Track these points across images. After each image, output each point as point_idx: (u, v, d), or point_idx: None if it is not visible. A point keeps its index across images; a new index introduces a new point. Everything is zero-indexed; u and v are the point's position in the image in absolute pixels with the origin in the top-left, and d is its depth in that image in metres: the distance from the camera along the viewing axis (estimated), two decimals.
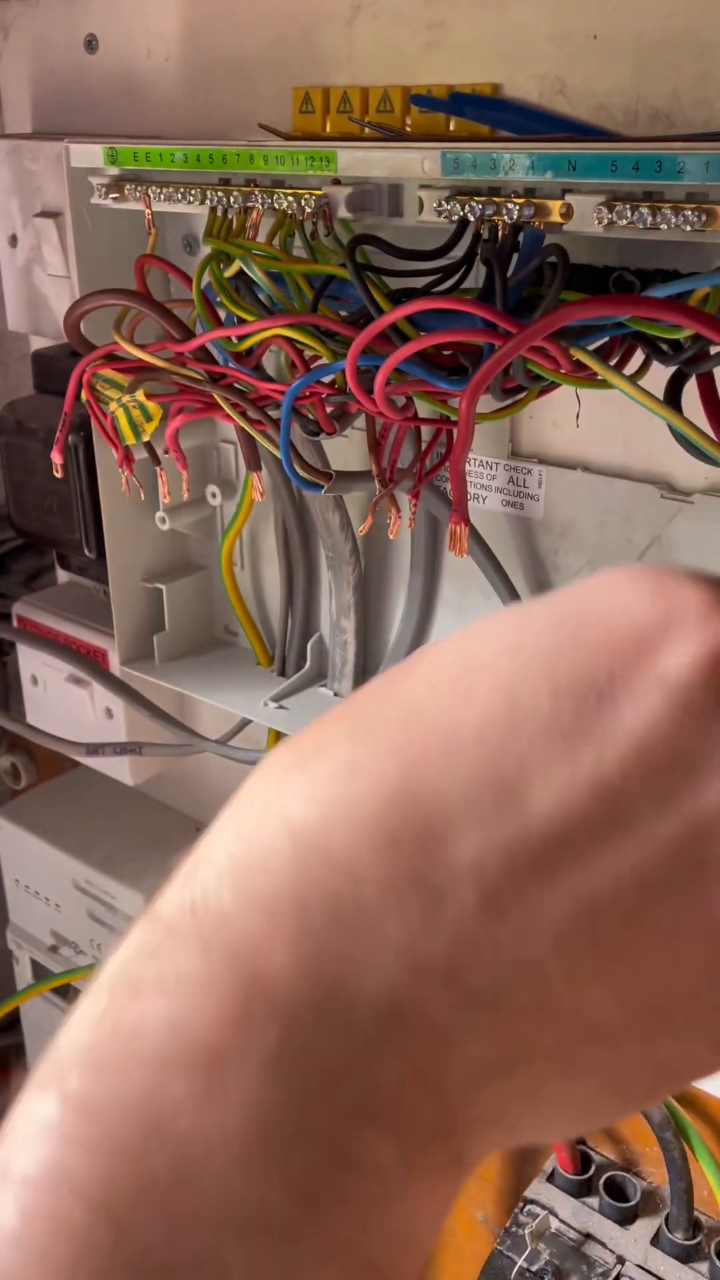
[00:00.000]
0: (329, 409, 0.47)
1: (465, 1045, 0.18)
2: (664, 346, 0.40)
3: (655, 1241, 0.56)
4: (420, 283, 0.43)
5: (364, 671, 0.63)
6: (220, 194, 0.47)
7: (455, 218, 0.40)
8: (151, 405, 0.52)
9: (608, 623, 0.20)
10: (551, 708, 0.19)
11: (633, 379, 0.39)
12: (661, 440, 0.42)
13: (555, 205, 0.38)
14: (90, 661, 0.72)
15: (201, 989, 0.17)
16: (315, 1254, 0.16)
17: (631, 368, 0.42)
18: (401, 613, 0.60)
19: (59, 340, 0.72)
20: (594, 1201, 0.58)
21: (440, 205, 0.41)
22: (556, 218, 0.38)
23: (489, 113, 0.49)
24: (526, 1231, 0.57)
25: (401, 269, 0.43)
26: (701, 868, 0.19)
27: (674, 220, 0.36)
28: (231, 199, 0.47)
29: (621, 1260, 0.56)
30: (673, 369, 0.40)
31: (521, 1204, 0.59)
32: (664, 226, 0.36)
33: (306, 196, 0.44)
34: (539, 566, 0.54)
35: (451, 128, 0.50)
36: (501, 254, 0.40)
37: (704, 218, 0.35)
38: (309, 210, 0.44)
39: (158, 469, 0.57)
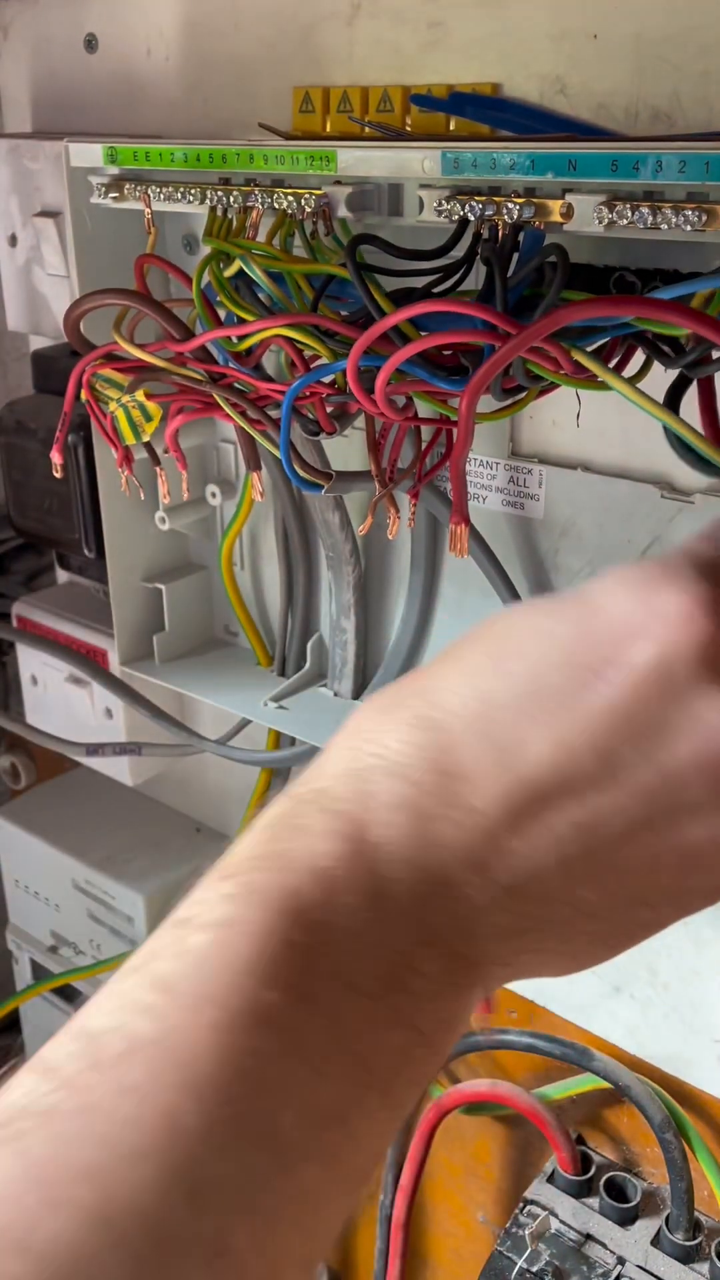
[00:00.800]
0: (329, 409, 0.47)
1: (489, 913, 0.26)
2: (665, 348, 0.39)
3: (656, 1242, 0.56)
4: (420, 282, 0.43)
5: (364, 671, 0.63)
6: (220, 193, 0.47)
7: (455, 217, 0.40)
8: (151, 405, 0.52)
9: (606, 619, 0.27)
10: (560, 683, 0.26)
11: (632, 381, 0.39)
12: (662, 440, 0.42)
13: (555, 205, 0.38)
14: (90, 661, 0.72)
15: (329, 838, 0.25)
16: (386, 1019, 0.24)
17: (631, 369, 0.42)
18: (401, 613, 0.60)
19: (59, 340, 0.72)
20: (594, 1202, 0.58)
21: (440, 205, 0.40)
22: (557, 217, 0.38)
23: (489, 112, 0.49)
24: (527, 1232, 0.57)
25: (402, 269, 0.43)
26: (675, 808, 0.26)
27: (674, 220, 0.36)
28: (231, 198, 0.47)
29: (622, 1261, 0.56)
30: (673, 372, 0.40)
31: (522, 1204, 0.59)
32: (664, 226, 0.36)
33: (306, 196, 0.44)
34: (539, 566, 0.54)
35: (452, 127, 0.50)
36: (502, 254, 0.40)
37: (704, 217, 0.35)
38: (309, 210, 0.44)
39: (157, 469, 0.57)
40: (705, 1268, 0.55)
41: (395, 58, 0.52)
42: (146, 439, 0.54)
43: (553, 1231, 0.57)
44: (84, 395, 0.53)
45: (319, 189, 0.44)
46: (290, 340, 0.45)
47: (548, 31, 0.47)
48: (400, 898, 0.25)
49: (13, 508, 0.73)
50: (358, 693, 0.63)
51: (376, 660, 0.62)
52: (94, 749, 0.73)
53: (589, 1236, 0.57)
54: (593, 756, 0.26)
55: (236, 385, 0.49)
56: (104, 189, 0.52)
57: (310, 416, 0.47)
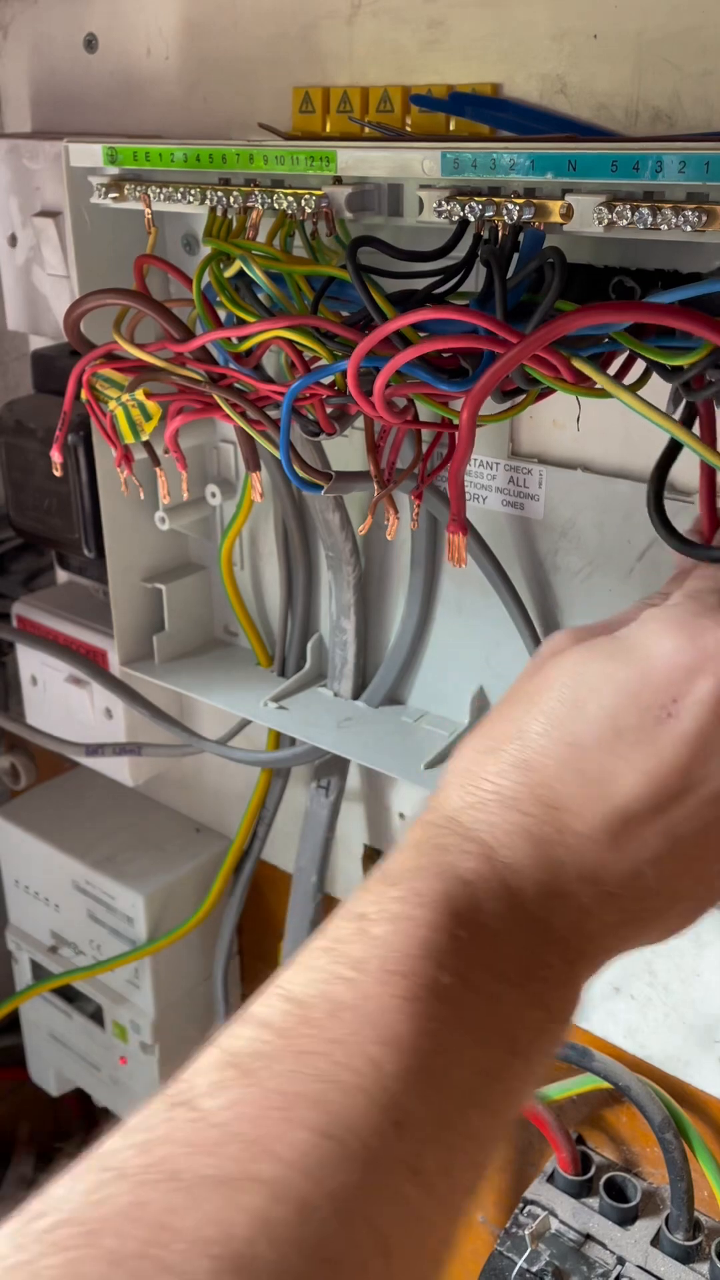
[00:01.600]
0: (329, 410, 0.47)
1: (599, 914, 0.32)
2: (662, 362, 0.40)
3: (655, 1242, 0.56)
4: (420, 283, 0.43)
5: (364, 671, 0.63)
6: (220, 194, 0.47)
7: (455, 218, 0.40)
8: (151, 404, 0.52)
9: (665, 663, 0.33)
10: (636, 722, 0.33)
11: (634, 388, 0.39)
12: (662, 441, 0.42)
13: (555, 205, 0.38)
14: (90, 662, 0.72)
15: (468, 857, 0.31)
16: (526, 1001, 0.30)
17: (632, 376, 0.42)
18: (401, 613, 0.60)
19: (58, 340, 0.72)
20: (594, 1202, 0.58)
21: (440, 205, 0.40)
22: (557, 218, 0.38)
23: (489, 112, 0.49)
24: (526, 1232, 0.57)
25: (402, 270, 0.43)
26: None
27: (674, 220, 0.36)
28: (231, 199, 0.47)
29: (622, 1261, 0.56)
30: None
31: (521, 1205, 0.59)
32: (664, 227, 0.36)
33: (306, 196, 0.44)
34: (539, 566, 0.54)
35: (452, 127, 0.50)
36: (501, 255, 0.40)
37: (704, 218, 0.35)
38: (309, 210, 0.44)
39: (157, 469, 0.57)
40: (705, 1268, 0.55)
41: (395, 57, 0.52)
42: (146, 438, 0.54)
43: (553, 1232, 0.57)
44: (84, 395, 0.53)
45: (319, 189, 0.44)
46: (290, 342, 0.45)
47: (548, 31, 0.47)
48: (529, 906, 0.31)
49: (12, 507, 0.73)
50: (357, 693, 0.63)
51: (376, 660, 0.62)
52: (94, 749, 0.73)
53: (589, 1237, 0.57)
54: (675, 779, 0.32)
55: (236, 386, 0.49)
56: (104, 189, 0.52)
57: (310, 417, 0.47)
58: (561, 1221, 0.58)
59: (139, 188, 0.51)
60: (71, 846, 0.84)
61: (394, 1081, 0.26)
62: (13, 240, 0.70)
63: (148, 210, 0.50)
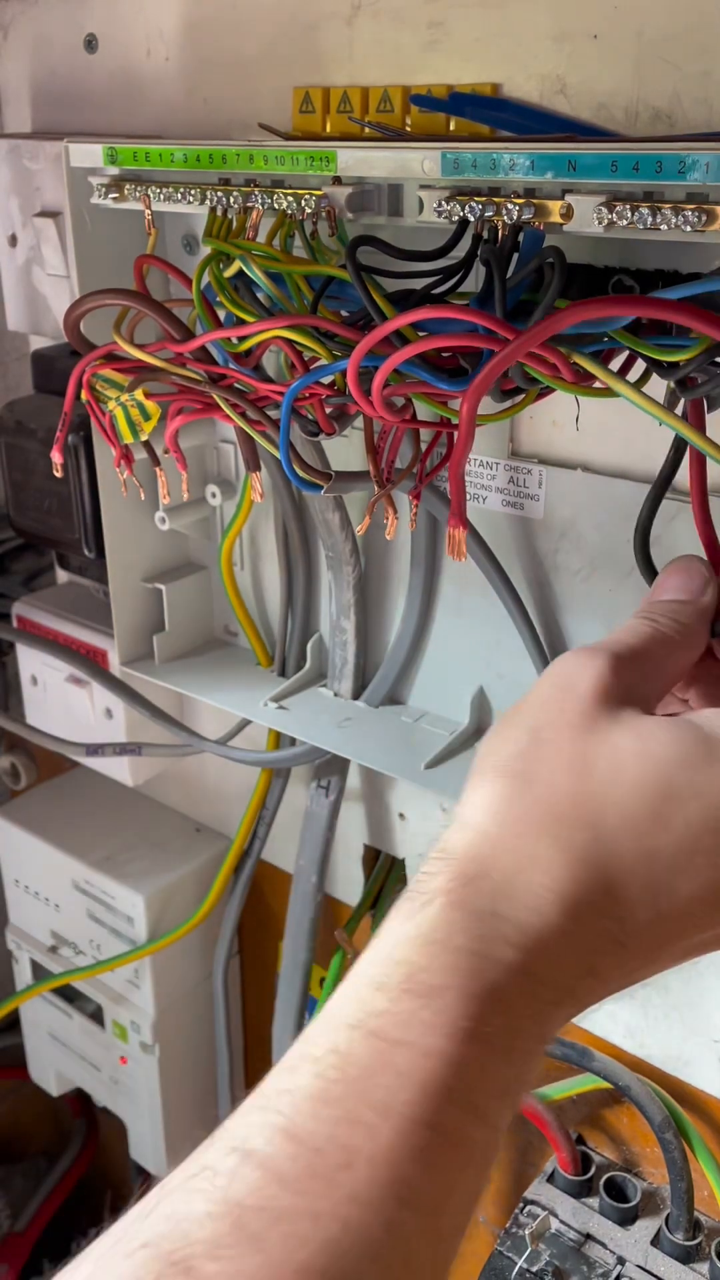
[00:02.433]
0: (328, 409, 0.47)
1: (622, 982, 0.32)
2: (663, 360, 0.40)
3: (655, 1242, 0.56)
4: (420, 283, 0.43)
5: (364, 671, 0.63)
6: (220, 194, 0.47)
7: (455, 218, 0.40)
8: (150, 404, 0.52)
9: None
10: (713, 844, 0.31)
11: (636, 385, 0.39)
12: (661, 440, 0.42)
13: (555, 205, 0.38)
14: (90, 662, 0.72)
15: (506, 973, 0.29)
16: (550, 1002, 0.30)
17: (632, 376, 0.42)
18: (401, 613, 0.60)
19: (58, 340, 0.72)
20: (594, 1202, 0.58)
21: (440, 205, 0.40)
22: (556, 218, 0.38)
23: (489, 112, 0.49)
24: (527, 1232, 0.57)
25: (401, 270, 0.43)
26: None
27: (674, 220, 0.36)
28: (231, 199, 0.47)
29: (622, 1261, 0.56)
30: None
31: (522, 1204, 0.59)
32: (664, 227, 0.36)
33: (306, 196, 0.44)
34: (539, 566, 0.54)
35: (452, 128, 0.50)
36: (501, 255, 0.40)
37: (704, 218, 0.35)
38: (309, 210, 0.44)
39: (157, 469, 0.57)
40: (705, 1267, 0.55)
41: (395, 58, 0.52)
42: (145, 438, 0.54)
43: (553, 1231, 0.57)
44: (84, 395, 0.53)
45: (319, 189, 0.44)
46: (289, 341, 0.45)
47: (548, 31, 0.47)
48: (556, 1020, 0.30)
49: (13, 508, 0.73)
50: (357, 693, 0.63)
51: (376, 660, 0.63)
52: (94, 749, 0.73)
53: (589, 1236, 0.57)
54: None
55: (236, 386, 0.49)
56: (104, 189, 0.52)
57: (309, 417, 0.47)
58: (562, 1221, 0.58)
59: (139, 188, 0.51)
60: (71, 846, 0.84)
61: (410, 1241, 0.25)
62: (13, 240, 0.70)
63: (147, 210, 0.50)
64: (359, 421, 0.49)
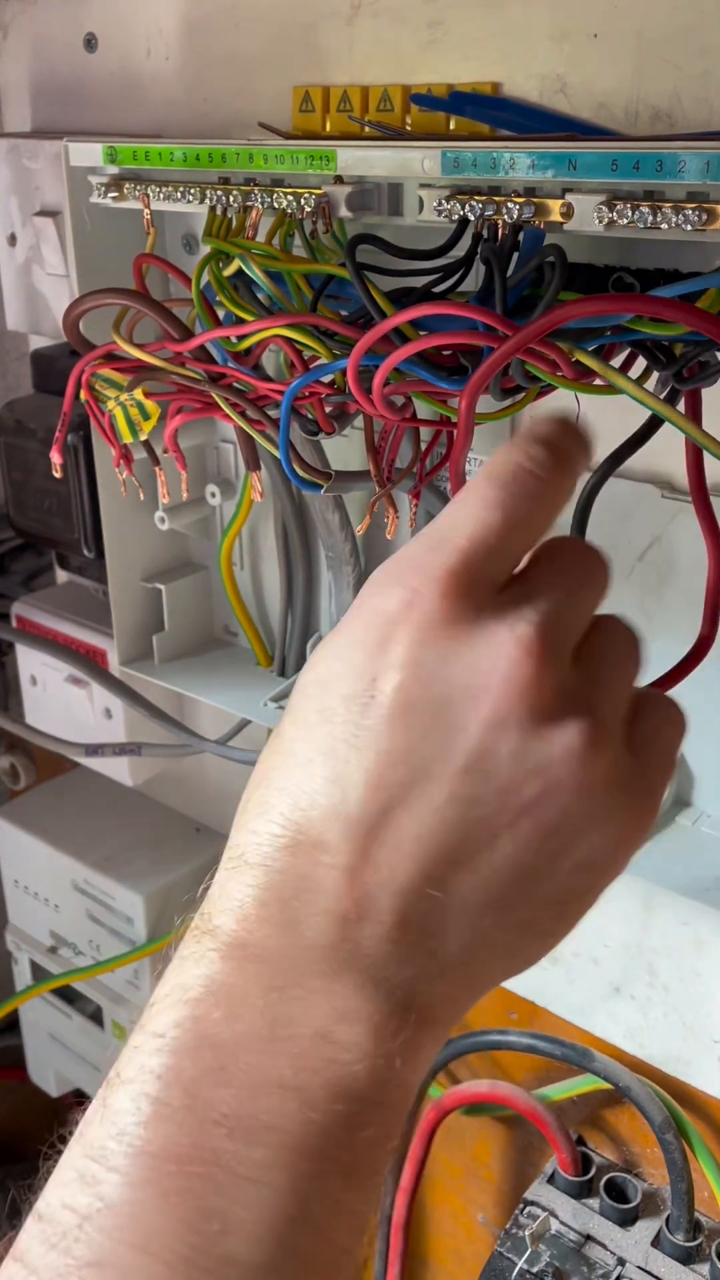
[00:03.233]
0: (328, 409, 0.47)
1: (391, 958, 0.28)
2: (661, 355, 0.39)
3: (656, 1243, 0.56)
4: (419, 282, 0.43)
5: None
6: (220, 193, 0.47)
7: (455, 217, 0.40)
8: (149, 404, 0.52)
9: (364, 636, 0.28)
10: (345, 718, 0.28)
11: (637, 383, 0.39)
12: (662, 440, 0.42)
13: (555, 204, 0.38)
14: (89, 662, 0.72)
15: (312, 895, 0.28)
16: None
17: (633, 372, 0.42)
18: None
19: (58, 339, 0.72)
20: (594, 1203, 0.58)
21: (440, 204, 0.40)
22: (557, 217, 0.38)
23: (489, 112, 0.49)
24: (527, 1233, 0.57)
25: (401, 268, 0.43)
26: (487, 776, 0.28)
27: (675, 219, 0.36)
28: (231, 198, 0.47)
29: (622, 1262, 0.55)
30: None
31: (522, 1205, 0.59)
32: (665, 226, 0.36)
33: (306, 195, 0.44)
34: None
35: (452, 127, 0.50)
36: (501, 254, 0.39)
37: (705, 217, 0.35)
38: (309, 209, 0.44)
39: (157, 469, 0.57)
40: (705, 1269, 0.55)
41: (395, 57, 0.52)
42: (144, 438, 0.54)
43: (553, 1232, 0.57)
44: (83, 395, 0.53)
45: (319, 188, 0.44)
46: (289, 340, 0.45)
47: (548, 31, 0.47)
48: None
49: (12, 507, 0.73)
50: None
51: None
52: (93, 749, 0.73)
53: (589, 1237, 0.57)
54: (397, 768, 0.27)
55: (236, 385, 0.49)
56: (103, 188, 0.52)
57: (309, 416, 0.47)
58: (562, 1222, 0.57)
59: (138, 187, 0.50)
60: (71, 847, 0.84)
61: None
62: (12, 240, 0.70)
63: (146, 210, 0.50)
64: (359, 421, 0.49)
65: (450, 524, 0.29)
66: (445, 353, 0.42)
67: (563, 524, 0.52)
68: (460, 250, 0.42)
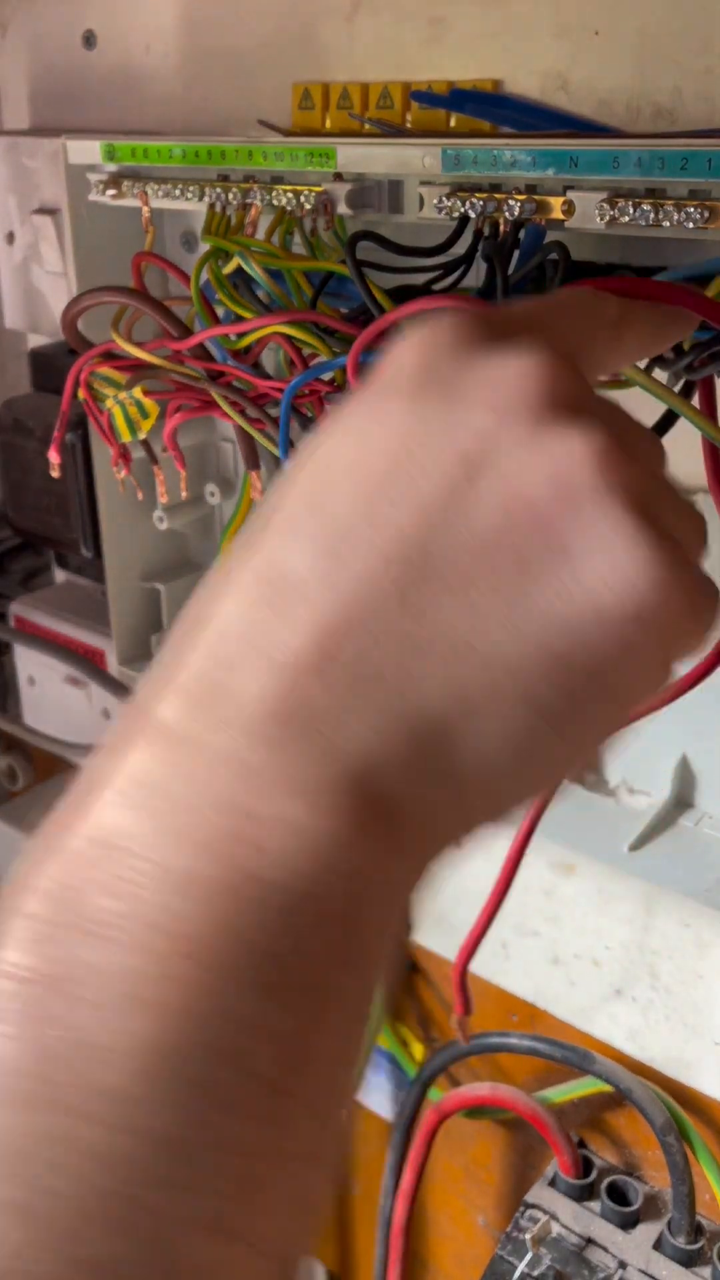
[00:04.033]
0: (328, 407, 0.47)
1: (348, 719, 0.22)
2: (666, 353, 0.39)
3: (657, 1246, 0.56)
4: (420, 279, 0.43)
5: None
6: (219, 190, 0.47)
7: (456, 214, 0.40)
8: (148, 402, 0.52)
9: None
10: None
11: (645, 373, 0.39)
12: (667, 437, 0.42)
13: (557, 202, 0.38)
14: (88, 662, 0.71)
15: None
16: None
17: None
18: None
19: (57, 338, 0.72)
20: (595, 1205, 0.58)
21: (441, 202, 0.40)
22: (558, 214, 0.38)
23: (490, 109, 0.49)
24: (527, 1236, 0.57)
25: (401, 266, 0.43)
26: (489, 467, 0.23)
27: (676, 217, 0.35)
28: (230, 195, 0.46)
29: (623, 1265, 0.55)
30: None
31: (522, 1208, 0.59)
32: (666, 224, 0.36)
33: (306, 193, 0.44)
34: None
35: (452, 124, 0.50)
36: (502, 251, 0.39)
37: (706, 214, 0.35)
38: (308, 207, 0.44)
39: (155, 468, 0.57)
40: (707, 1271, 0.55)
41: (396, 54, 0.52)
42: (143, 436, 0.53)
43: (554, 1235, 0.57)
44: (81, 394, 0.53)
45: (318, 186, 0.44)
46: (289, 338, 0.44)
47: (549, 28, 0.47)
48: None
49: (10, 507, 0.72)
50: None
51: None
52: (92, 750, 0.73)
53: (590, 1240, 0.57)
54: (390, 438, 0.23)
55: (235, 383, 0.49)
56: (102, 186, 0.52)
57: (309, 415, 0.46)
58: (563, 1225, 0.57)
59: (137, 185, 0.50)
60: None
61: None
62: (10, 238, 0.69)
63: (145, 208, 0.50)
64: None
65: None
66: None
67: None
68: (461, 248, 0.41)
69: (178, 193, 0.49)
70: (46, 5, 0.67)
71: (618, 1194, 0.59)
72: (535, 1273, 0.55)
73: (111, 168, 0.52)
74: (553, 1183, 0.59)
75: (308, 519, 0.23)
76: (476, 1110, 0.63)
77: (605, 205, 0.36)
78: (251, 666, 0.22)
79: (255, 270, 0.45)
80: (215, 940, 0.20)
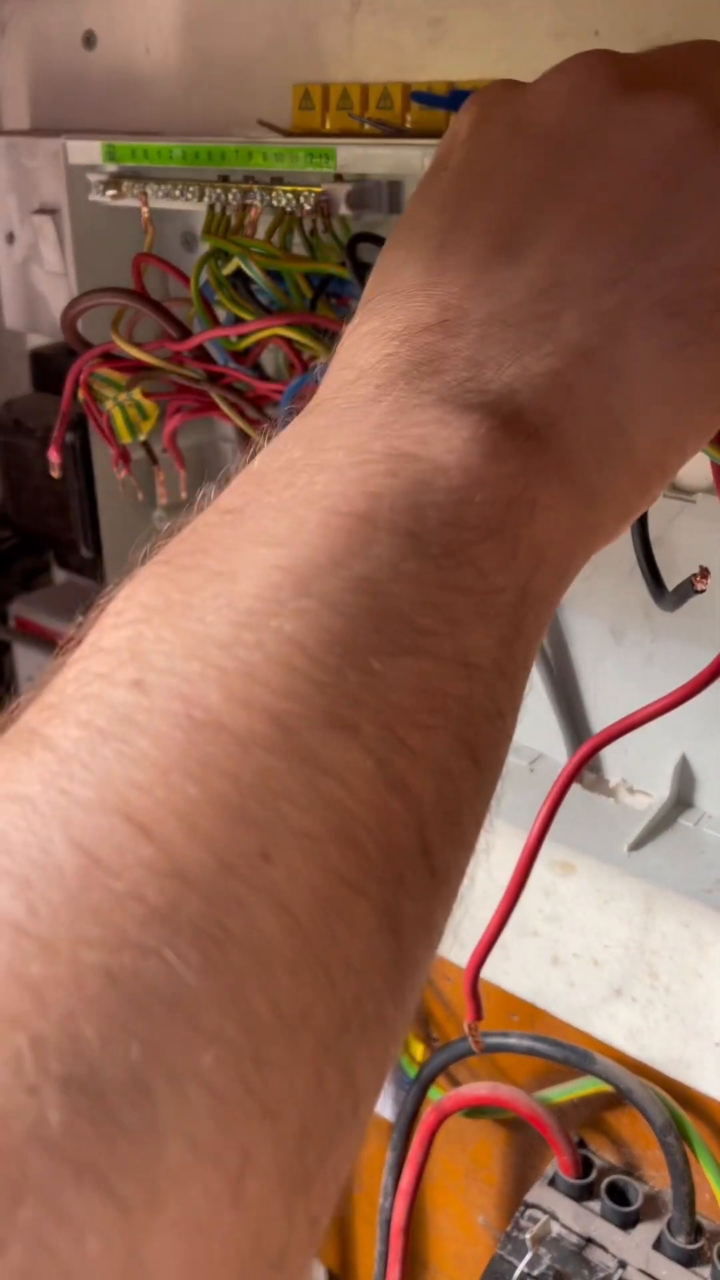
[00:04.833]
0: None
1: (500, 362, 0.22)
2: None
3: (657, 1246, 0.56)
4: None
5: None
6: (219, 191, 0.47)
7: None
8: (148, 404, 0.52)
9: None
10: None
11: None
12: None
13: None
14: None
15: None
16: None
17: None
18: None
19: (57, 338, 0.72)
20: (595, 1205, 0.58)
21: None
22: None
23: None
24: (527, 1235, 0.57)
25: None
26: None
27: None
28: (230, 196, 0.46)
29: (623, 1265, 0.55)
30: None
31: (522, 1208, 0.59)
32: None
33: (306, 193, 0.44)
34: None
35: None
36: None
37: None
38: (308, 207, 0.44)
39: (155, 468, 0.57)
40: (707, 1271, 0.55)
41: (396, 55, 0.52)
42: (143, 437, 0.53)
43: (553, 1235, 0.57)
44: (81, 394, 0.53)
45: (318, 186, 0.44)
46: (288, 340, 0.44)
47: (549, 28, 0.47)
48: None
49: (10, 507, 0.72)
50: None
51: None
52: None
53: (590, 1240, 0.57)
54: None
55: (235, 385, 0.49)
56: (102, 186, 0.52)
57: None
58: (562, 1225, 0.57)
59: (137, 185, 0.50)
60: None
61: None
62: (10, 238, 0.69)
63: (145, 208, 0.50)
64: None
65: None
66: None
67: None
68: None
69: (177, 193, 0.49)
70: (46, 5, 0.67)
71: (618, 1194, 0.59)
72: (535, 1272, 0.55)
73: (111, 168, 0.52)
74: (553, 1183, 0.59)
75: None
76: (476, 1110, 0.63)
77: None
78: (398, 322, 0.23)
79: (255, 271, 0.45)
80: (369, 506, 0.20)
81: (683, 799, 0.54)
